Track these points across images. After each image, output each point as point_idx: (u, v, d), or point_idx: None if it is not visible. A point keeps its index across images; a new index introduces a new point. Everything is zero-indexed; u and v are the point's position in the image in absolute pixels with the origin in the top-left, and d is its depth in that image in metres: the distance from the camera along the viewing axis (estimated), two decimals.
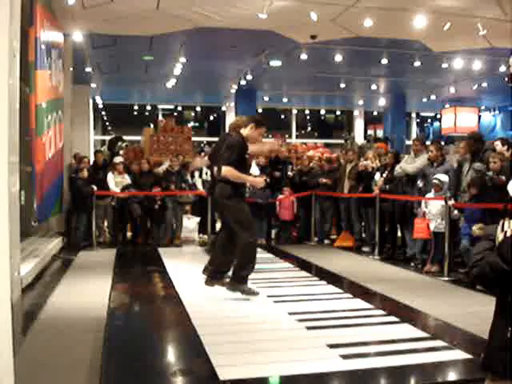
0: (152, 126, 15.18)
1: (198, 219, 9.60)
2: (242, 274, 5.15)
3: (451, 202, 6.40)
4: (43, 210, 7.22)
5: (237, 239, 5.16)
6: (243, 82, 13.64)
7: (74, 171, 9.20)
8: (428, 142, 8.16)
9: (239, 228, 5.12)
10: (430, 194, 6.88)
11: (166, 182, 9.21)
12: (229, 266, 5.38)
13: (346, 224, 9.04)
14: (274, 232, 9.92)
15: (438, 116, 19.52)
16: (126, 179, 9.20)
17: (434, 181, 6.73)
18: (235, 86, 14.49)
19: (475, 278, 2.19)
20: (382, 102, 17.37)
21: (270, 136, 15.94)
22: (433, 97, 16.37)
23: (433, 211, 6.74)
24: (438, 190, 6.73)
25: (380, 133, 19.30)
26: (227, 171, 5.11)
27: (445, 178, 6.74)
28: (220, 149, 5.51)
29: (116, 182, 9.13)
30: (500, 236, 2.09)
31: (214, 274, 5.43)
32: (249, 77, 12.91)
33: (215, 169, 5.78)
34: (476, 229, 5.63)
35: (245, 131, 5.32)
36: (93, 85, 14.16)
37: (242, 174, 5.25)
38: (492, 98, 17.24)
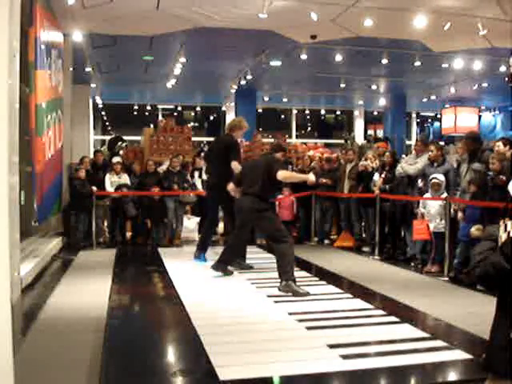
0: (152, 126, 15.18)
1: (197, 219, 9.59)
2: (293, 277, 5.43)
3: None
4: (43, 210, 7.22)
5: (275, 245, 5.60)
6: (243, 82, 13.64)
7: (74, 171, 9.21)
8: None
9: (278, 234, 5.57)
10: (428, 194, 6.87)
11: (167, 182, 9.22)
12: (232, 262, 6.32)
13: (346, 224, 9.04)
14: None
15: (438, 116, 19.53)
16: (123, 179, 9.20)
17: (433, 180, 6.73)
18: (235, 86, 14.49)
19: (478, 278, 2.19)
20: (382, 101, 17.38)
21: (270, 136, 15.95)
22: (433, 97, 16.37)
23: (431, 211, 6.74)
24: (436, 189, 6.72)
25: (380, 133, 19.31)
26: (285, 174, 5.73)
27: (442, 177, 6.74)
28: (254, 166, 6.01)
29: (112, 181, 9.14)
30: (503, 236, 2.08)
31: (220, 264, 6.12)
32: (249, 77, 12.91)
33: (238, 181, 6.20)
34: (474, 230, 5.62)
35: (277, 155, 6.12)
36: (93, 85, 14.16)
37: (297, 174, 6.38)
38: (492, 98, 17.25)
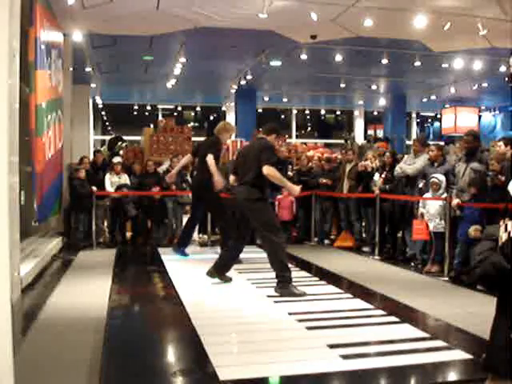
0: (152, 126, 15.18)
1: None
2: (286, 276, 5.28)
3: (456, 201, 6.30)
4: (43, 210, 7.22)
5: (265, 242, 5.41)
6: (243, 82, 13.64)
7: (74, 171, 9.21)
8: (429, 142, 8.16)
9: (268, 230, 5.29)
10: (428, 194, 6.87)
11: (167, 182, 9.22)
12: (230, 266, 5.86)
13: (346, 224, 9.04)
14: None
15: (438, 116, 19.53)
16: (123, 179, 9.19)
17: (433, 179, 6.73)
18: (235, 86, 14.49)
19: (478, 278, 2.18)
20: (382, 101, 17.38)
21: None
22: (433, 97, 16.37)
23: (431, 211, 6.73)
24: (436, 189, 6.72)
25: (380, 133, 19.32)
26: (270, 171, 5.25)
27: (442, 177, 6.73)
28: (247, 153, 5.61)
29: (112, 182, 9.14)
30: (503, 236, 2.07)
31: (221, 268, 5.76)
32: (249, 77, 12.91)
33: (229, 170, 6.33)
34: (472, 230, 5.61)
35: (270, 138, 5.62)
36: (93, 85, 14.16)
37: (283, 179, 5.56)
38: (492, 98, 17.25)
